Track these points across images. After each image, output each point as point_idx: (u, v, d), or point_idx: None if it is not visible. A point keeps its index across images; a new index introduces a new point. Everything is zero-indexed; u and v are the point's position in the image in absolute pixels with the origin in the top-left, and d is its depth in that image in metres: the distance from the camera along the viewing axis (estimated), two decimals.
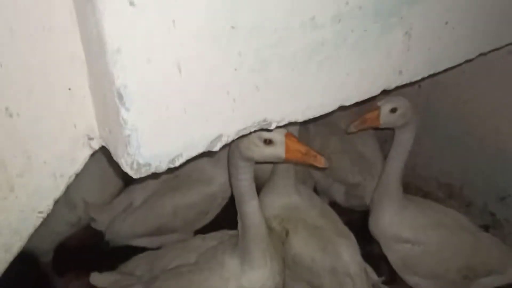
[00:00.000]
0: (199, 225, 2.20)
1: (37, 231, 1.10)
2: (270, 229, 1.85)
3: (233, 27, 0.96)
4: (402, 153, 1.78)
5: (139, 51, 0.88)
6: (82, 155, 1.09)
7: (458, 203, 2.46)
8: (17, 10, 0.89)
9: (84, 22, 0.89)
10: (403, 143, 1.77)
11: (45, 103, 0.99)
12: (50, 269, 2.30)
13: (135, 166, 0.98)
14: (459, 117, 2.28)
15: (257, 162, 1.46)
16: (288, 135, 1.37)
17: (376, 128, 1.81)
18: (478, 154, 2.25)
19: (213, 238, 1.80)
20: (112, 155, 1.06)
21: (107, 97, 0.93)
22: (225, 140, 1.08)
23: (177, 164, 1.03)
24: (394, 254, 1.94)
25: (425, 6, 1.23)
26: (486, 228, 2.32)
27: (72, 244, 2.50)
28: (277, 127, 1.16)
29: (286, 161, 1.44)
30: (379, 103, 1.67)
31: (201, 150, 1.06)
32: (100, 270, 2.24)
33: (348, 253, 1.84)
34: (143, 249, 2.21)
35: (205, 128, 1.04)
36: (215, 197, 2.12)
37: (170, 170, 1.02)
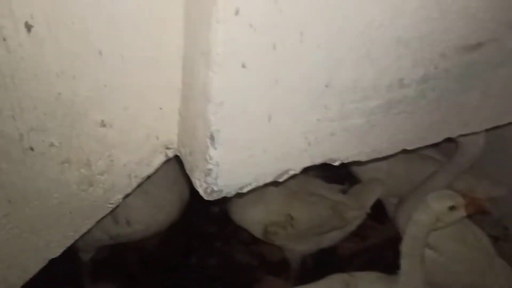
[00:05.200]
0: None
1: None
2: (275, 226, 2.01)
3: (326, 86, 1.00)
4: (458, 171, 1.86)
5: (238, 104, 0.92)
6: (158, 161, 1.17)
7: None
8: (130, 40, 0.92)
9: (190, 67, 0.93)
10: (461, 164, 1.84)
11: (136, 118, 1.05)
12: (86, 270, 2.27)
13: (208, 191, 1.06)
14: (498, 132, 2.30)
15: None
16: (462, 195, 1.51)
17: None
18: (508, 172, 2.30)
19: None
20: (186, 170, 1.13)
21: (198, 133, 0.99)
22: (291, 173, 1.15)
23: (244, 191, 1.11)
24: None
25: (509, 71, 1.23)
26: (496, 239, 2.43)
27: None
28: (341, 163, 1.22)
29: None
30: None
31: (268, 181, 1.13)
32: None
33: (325, 190, 2.08)
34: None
35: (278, 165, 1.10)
36: None
37: None
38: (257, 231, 2.09)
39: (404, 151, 1.29)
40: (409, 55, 1.06)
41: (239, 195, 1.12)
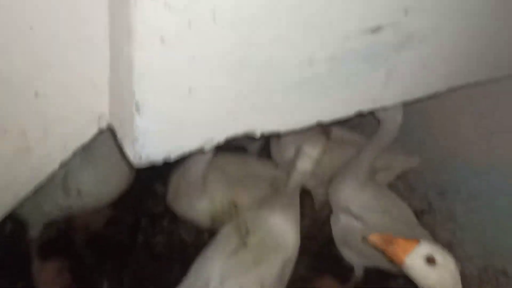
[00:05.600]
0: None
1: (27, 201, 1.29)
2: (221, 214, 2.13)
3: (242, 62, 1.12)
4: (381, 146, 2.03)
5: (159, 77, 1.04)
6: (92, 131, 1.26)
7: (404, 186, 2.75)
8: (61, 16, 1.02)
9: (116, 42, 1.03)
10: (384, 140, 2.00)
11: (69, 90, 1.15)
12: (34, 247, 2.34)
13: (137, 158, 1.17)
14: (423, 111, 2.49)
15: None
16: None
17: None
18: (431, 149, 2.50)
19: None
20: (118, 139, 1.23)
21: (125, 104, 1.09)
22: (215, 142, 1.27)
23: (172, 158, 1.22)
24: (337, 224, 2.21)
25: (410, 53, 1.40)
26: (421, 212, 2.65)
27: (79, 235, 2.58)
28: (261, 134, 1.35)
29: None
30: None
31: (193, 149, 1.24)
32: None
33: (259, 166, 2.29)
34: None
35: (202, 134, 1.22)
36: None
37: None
38: (204, 223, 2.20)
39: (319, 123, 1.44)
40: (317, 36, 1.20)
41: (166, 162, 1.23)
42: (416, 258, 1.31)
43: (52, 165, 1.28)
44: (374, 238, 1.40)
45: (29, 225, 2.22)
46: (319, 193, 2.59)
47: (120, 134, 1.21)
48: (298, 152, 1.79)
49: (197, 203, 2.11)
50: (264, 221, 1.88)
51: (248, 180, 2.20)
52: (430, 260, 1.29)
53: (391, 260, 1.40)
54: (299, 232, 1.92)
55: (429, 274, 1.30)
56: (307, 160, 1.75)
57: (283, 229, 1.88)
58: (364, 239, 1.41)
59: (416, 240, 1.35)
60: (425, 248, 1.32)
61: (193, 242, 2.63)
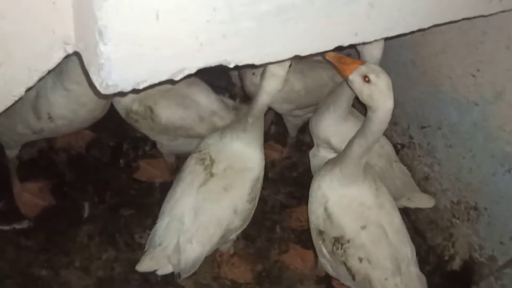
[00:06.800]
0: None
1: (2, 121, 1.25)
2: (135, 114, 2.17)
3: None
4: None
5: (124, 0, 0.98)
6: (57, 56, 1.21)
7: None
8: None
9: None
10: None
11: (29, 10, 1.08)
12: (13, 168, 2.35)
13: (104, 85, 1.13)
14: (411, 46, 2.45)
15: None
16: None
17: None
18: (417, 84, 2.48)
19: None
20: (85, 64, 1.19)
21: (88, 28, 1.04)
22: (186, 72, 1.23)
23: (141, 87, 1.19)
24: (316, 157, 2.24)
25: None
26: (402, 146, 2.67)
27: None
28: (235, 66, 1.30)
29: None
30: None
31: (163, 79, 1.20)
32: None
33: (203, 96, 2.23)
34: None
35: (172, 63, 1.17)
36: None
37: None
38: (122, 114, 2.26)
39: (297, 57, 1.39)
40: None
41: (135, 90, 1.20)
42: (356, 75, 1.60)
43: (18, 90, 1.24)
44: (330, 55, 1.63)
45: (5, 145, 2.22)
46: (293, 116, 2.59)
47: (86, 61, 1.16)
48: (264, 73, 1.76)
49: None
50: (228, 149, 1.91)
51: (177, 98, 2.18)
52: (366, 78, 1.58)
53: (340, 74, 1.74)
54: (263, 150, 1.97)
55: (363, 90, 1.59)
56: (274, 79, 1.73)
57: (247, 152, 1.91)
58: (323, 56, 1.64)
59: (362, 61, 1.65)
60: (364, 68, 1.59)
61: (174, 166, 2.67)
